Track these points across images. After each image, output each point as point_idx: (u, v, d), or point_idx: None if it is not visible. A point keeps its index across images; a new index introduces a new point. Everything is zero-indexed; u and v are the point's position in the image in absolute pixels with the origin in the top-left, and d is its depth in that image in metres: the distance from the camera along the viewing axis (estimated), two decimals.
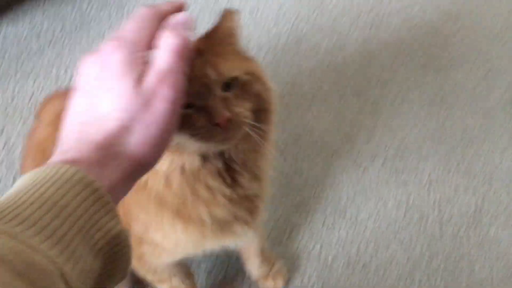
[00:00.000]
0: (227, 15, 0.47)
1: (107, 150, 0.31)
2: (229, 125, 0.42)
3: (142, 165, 0.33)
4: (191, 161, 0.48)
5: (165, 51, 0.33)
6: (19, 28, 1.25)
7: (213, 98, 0.42)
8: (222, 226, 0.56)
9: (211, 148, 0.47)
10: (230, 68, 0.43)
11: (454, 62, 1.22)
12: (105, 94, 0.32)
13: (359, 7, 1.38)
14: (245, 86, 0.45)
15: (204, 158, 0.48)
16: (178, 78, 0.33)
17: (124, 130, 0.32)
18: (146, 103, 0.32)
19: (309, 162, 1.02)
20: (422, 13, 1.36)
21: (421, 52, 1.25)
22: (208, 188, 0.50)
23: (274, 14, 1.35)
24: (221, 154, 0.49)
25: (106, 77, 0.33)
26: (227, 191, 0.51)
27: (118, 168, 0.31)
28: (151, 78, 0.32)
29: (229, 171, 0.51)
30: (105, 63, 0.33)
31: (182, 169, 0.48)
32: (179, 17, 0.36)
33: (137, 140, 0.32)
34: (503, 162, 1.02)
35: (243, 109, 0.44)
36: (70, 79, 1.14)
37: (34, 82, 1.13)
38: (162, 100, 0.32)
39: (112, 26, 1.28)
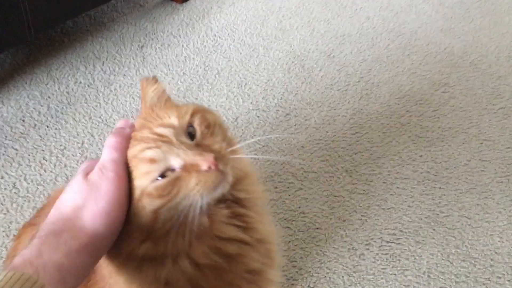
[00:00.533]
0: (142, 82, 0.50)
1: (63, 224, 0.40)
2: (219, 163, 0.42)
3: (97, 236, 0.40)
4: (201, 223, 0.46)
5: (105, 148, 0.44)
6: (3, 111, 1.23)
7: (186, 152, 0.42)
8: (257, 278, 0.52)
9: (216, 194, 0.45)
10: (180, 115, 0.46)
11: (446, 134, 1.21)
12: (66, 191, 0.43)
13: (347, 78, 1.38)
14: (203, 122, 0.47)
15: (210, 216, 0.46)
16: (117, 164, 0.43)
17: (77, 208, 0.41)
18: (94, 187, 0.42)
19: (302, 249, 0.98)
20: (411, 82, 1.36)
21: (412, 124, 1.23)
22: (231, 240, 0.48)
23: (262, 88, 1.34)
24: (222, 200, 0.47)
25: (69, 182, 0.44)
26: (246, 237, 0.50)
27: (74, 238, 0.39)
28: (96, 169, 0.43)
29: (236, 217, 0.49)
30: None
31: (199, 237, 0.46)
32: (119, 123, 0.48)
33: (89, 213, 0.41)
34: (503, 244, 0.98)
35: (218, 144, 0.45)
36: (54, 165, 1.11)
37: (17, 169, 1.10)
38: (105, 181, 0.42)
39: (100, 105, 1.27)
